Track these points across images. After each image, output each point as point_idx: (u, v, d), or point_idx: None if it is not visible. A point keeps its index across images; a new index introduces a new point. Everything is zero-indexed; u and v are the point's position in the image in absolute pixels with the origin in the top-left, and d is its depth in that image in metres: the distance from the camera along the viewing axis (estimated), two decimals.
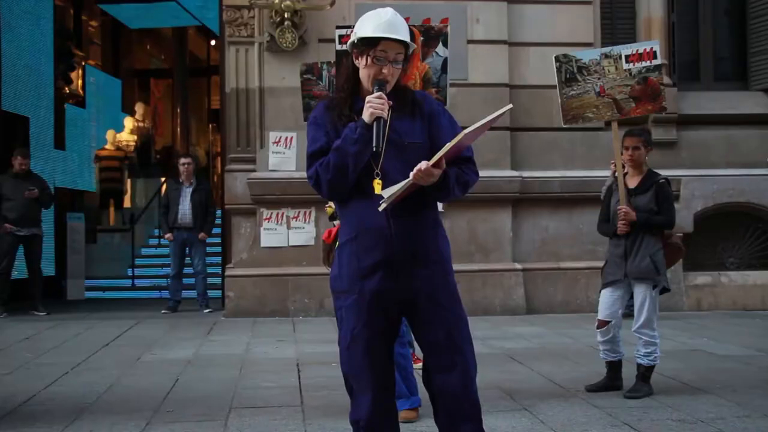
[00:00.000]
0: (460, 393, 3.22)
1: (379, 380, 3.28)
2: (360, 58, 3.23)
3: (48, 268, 11.70)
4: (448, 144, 3.03)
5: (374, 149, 3.08)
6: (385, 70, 3.17)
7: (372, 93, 3.16)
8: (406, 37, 3.23)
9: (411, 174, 3.02)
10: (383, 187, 3.11)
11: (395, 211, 3.13)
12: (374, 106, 3.09)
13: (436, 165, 3.03)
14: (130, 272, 14.31)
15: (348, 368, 3.32)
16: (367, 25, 3.21)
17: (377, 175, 3.15)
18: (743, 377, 6.11)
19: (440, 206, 6.89)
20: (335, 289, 3.31)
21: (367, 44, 3.19)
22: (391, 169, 3.14)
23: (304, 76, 7.03)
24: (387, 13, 3.21)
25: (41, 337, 8.52)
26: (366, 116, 3.11)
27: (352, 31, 5.38)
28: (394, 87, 3.24)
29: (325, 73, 6.71)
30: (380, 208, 3.08)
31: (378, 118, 3.08)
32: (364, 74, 3.23)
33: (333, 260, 3.37)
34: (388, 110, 3.13)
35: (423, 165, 3.01)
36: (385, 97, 3.12)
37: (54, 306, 10.89)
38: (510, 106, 3.35)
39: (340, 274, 3.27)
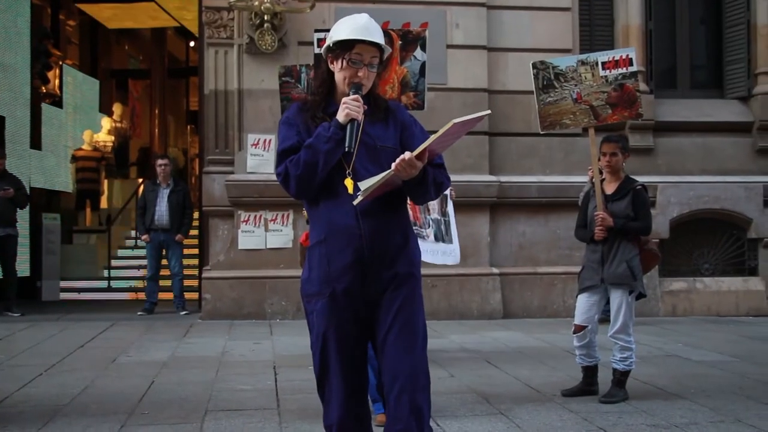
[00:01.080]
0: (407, 413, 3.18)
1: (351, 384, 3.26)
2: (335, 62, 3.25)
3: (23, 268, 11.59)
4: (433, 135, 3.02)
5: (346, 149, 3.09)
6: (360, 73, 3.19)
7: (347, 95, 3.17)
8: (381, 41, 3.25)
9: (393, 164, 3.02)
10: (354, 188, 3.11)
11: (366, 211, 3.13)
12: (350, 107, 3.10)
13: (419, 157, 3.03)
14: (106, 273, 14.21)
15: (319, 372, 3.29)
16: (343, 29, 3.22)
17: (349, 174, 3.16)
18: (717, 383, 6.16)
19: (451, 211, 6.92)
20: (306, 292, 3.29)
21: (343, 47, 3.20)
22: (362, 170, 3.15)
23: (283, 78, 7.03)
24: (362, 18, 3.24)
25: (15, 338, 8.44)
26: (341, 117, 3.11)
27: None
28: (368, 92, 3.27)
29: (303, 75, 6.71)
30: (355, 202, 3.08)
31: (352, 120, 3.10)
32: (339, 77, 3.24)
33: (306, 263, 3.35)
34: (362, 114, 3.14)
35: (407, 155, 3.01)
36: (361, 100, 3.14)
37: (28, 307, 10.79)
38: (488, 111, 3.36)
39: (310, 277, 3.26)
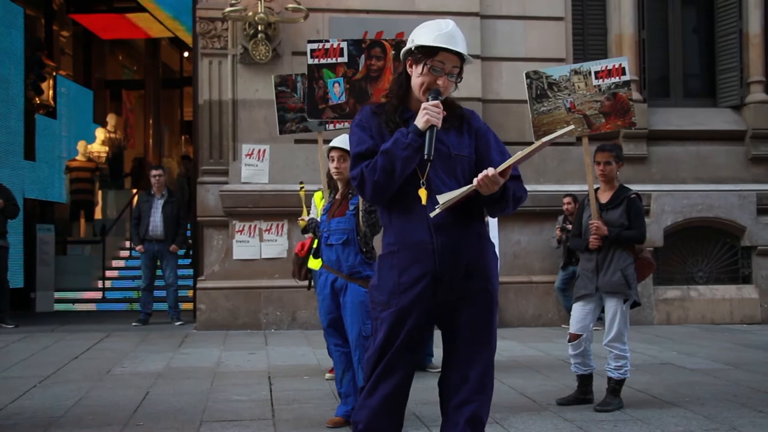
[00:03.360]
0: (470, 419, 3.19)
1: (398, 393, 3.20)
2: (415, 66, 3.18)
3: (16, 280, 11.56)
4: (519, 153, 2.96)
5: (425, 157, 3.02)
6: (440, 81, 3.13)
7: (424, 101, 3.11)
8: (465, 50, 3.18)
9: (475, 180, 2.96)
10: (429, 196, 3.06)
11: (439, 225, 3.07)
12: (431, 113, 3.03)
13: (502, 174, 2.98)
14: (100, 284, 14.18)
15: (369, 373, 3.21)
16: (427, 34, 3.15)
17: (423, 184, 3.10)
18: (711, 390, 6.17)
19: (492, 222, 6.87)
20: (373, 299, 3.23)
21: (426, 53, 3.13)
22: (436, 180, 3.10)
23: (279, 88, 7.03)
24: (448, 25, 3.16)
25: (9, 350, 8.41)
26: (420, 123, 3.05)
27: (323, 46, 5.41)
28: (445, 101, 3.19)
29: (299, 85, 6.72)
30: (432, 214, 3.03)
31: (432, 126, 3.03)
32: (416, 83, 3.17)
33: (376, 269, 3.26)
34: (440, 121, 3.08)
35: (490, 171, 2.95)
36: (441, 106, 3.07)
37: (22, 318, 10.76)
38: (572, 127, 3.33)
39: (379, 285, 3.20)
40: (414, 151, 3.03)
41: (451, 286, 3.12)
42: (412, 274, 3.11)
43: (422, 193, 3.08)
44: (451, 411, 3.20)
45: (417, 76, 3.17)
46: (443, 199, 3.00)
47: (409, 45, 3.21)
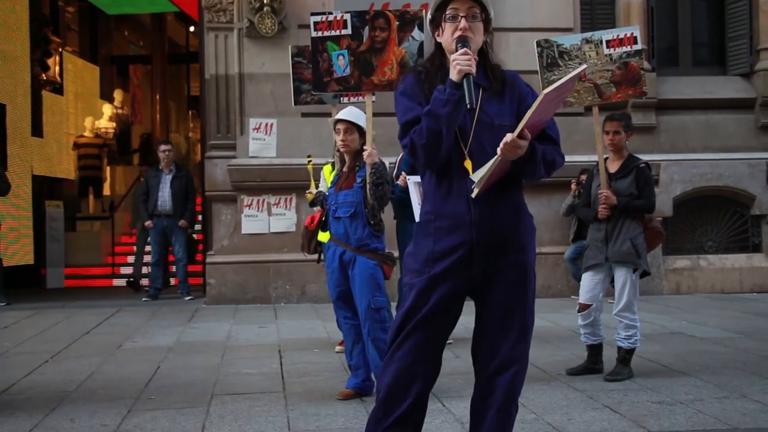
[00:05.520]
0: (503, 392, 3.15)
1: (424, 365, 3.13)
2: (438, 31, 3.15)
3: (27, 257, 11.60)
4: (528, 111, 2.89)
5: (468, 106, 2.95)
6: (461, 25, 3.05)
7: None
8: None
9: (498, 149, 2.90)
10: (474, 168, 3.00)
11: (477, 197, 3.02)
12: (461, 62, 2.96)
13: (520, 136, 2.90)
14: (110, 260, 14.22)
15: (391, 341, 3.17)
16: None
17: (467, 155, 3.06)
18: (721, 359, 6.17)
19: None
20: (407, 266, 3.20)
21: (439, 10, 3.12)
22: (479, 151, 3.04)
23: (295, 59, 7.00)
24: None
25: (21, 326, 8.47)
26: (453, 75, 2.98)
27: (326, 18, 5.39)
28: (485, 64, 3.15)
29: None
30: (473, 195, 2.99)
31: (467, 75, 2.96)
32: (446, 43, 3.12)
33: (414, 237, 3.21)
34: (475, 67, 3.00)
35: (508, 137, 2.88)
36: (470, 53, 3.00)
37: (33, 295, 10.81)
38: (585, 66, 3.22)
39: (414, 252, 3.17)
40: (454, 105, 2.96)
41: (486, 257, 3.09)
42: (447, 243, 3.08)
43: (468, 164, 3.04)
44: (484, 380, 3.18)
45: (443, 37, 3.13)
46: (477, 176, 2.96)
47: (429, 17, 3.18)
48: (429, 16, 3.19)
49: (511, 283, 3.15)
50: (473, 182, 2.98)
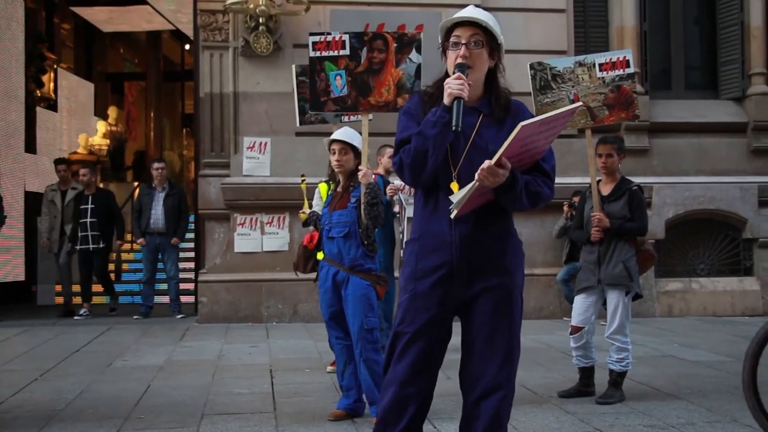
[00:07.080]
0: (489, 419, 3.14)
1: (415, 383, 3.16)
2: (444, 57, 3.21)
3: (17, 273, 11.55)
4: (506, 141, 2.91)
5: (453, 128, 2.99)
6: (461, 52, 3.10)
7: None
8: (481, 17, 3.14)
9: (476, 174, 2.93)
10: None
11: (460, 218, 3.06)
12: (451, 86, 3.02)
13: (498, 164, 2.93)
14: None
15: (386, 359, 3.23)
16: (444, 24, 3.21)
17: (455, 177, 3.10)
18: (713, 383, 6.17)
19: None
20: (400, 282, 3.27)
21: (445, 37, 3.18)
22: (468, 173, 3.05)
23: (299, 78, 6.99)
24: (466, 9, 3.20)
25: (10, 343, 8.42)
26: (445, 98, 3.05)
27: (325, 38, 5.42)
28: (491, 89, 3.21)
29: None
30: (452, 215, 3.03)
31: (457, 99, 3.01)
32: (449, 68, 3.17)
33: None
34: (467, 91, 3.04)
35: (485, 164, 2.92)
36: (464, 77, 3.05)
37: (24, 311, 10.75)
38: (580, 103, 3.26)
39: (403, 270, 3.25)
40: (442, 126, 3.01)
41: (468, 278, 3.11)
42: (430, 262, 3.12)
43: (454, 186, 3.07)
44: (470, 406, 3.18)
45: (447, 64, 3.19)
46: (456, 198, 2.99)
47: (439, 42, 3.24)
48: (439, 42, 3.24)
49: (496, 306, 3.15)
50: (451, 202, 3.02)
